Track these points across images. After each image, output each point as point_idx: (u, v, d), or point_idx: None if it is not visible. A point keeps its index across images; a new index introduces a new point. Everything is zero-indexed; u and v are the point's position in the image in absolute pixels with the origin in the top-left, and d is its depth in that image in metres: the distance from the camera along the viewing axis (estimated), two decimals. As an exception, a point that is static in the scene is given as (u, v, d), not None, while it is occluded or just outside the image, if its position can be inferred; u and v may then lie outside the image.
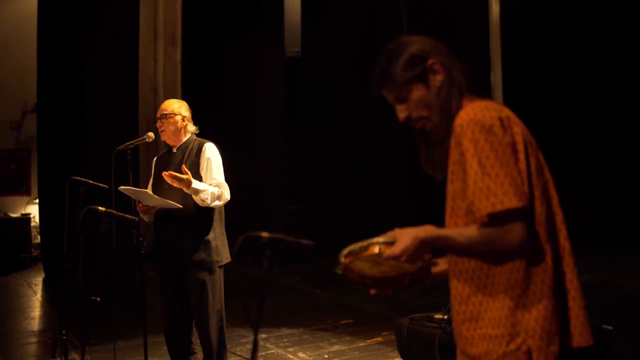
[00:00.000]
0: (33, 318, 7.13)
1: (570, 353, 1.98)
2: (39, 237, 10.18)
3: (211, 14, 10.63)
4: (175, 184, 3.85)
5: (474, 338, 1.99)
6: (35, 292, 8.41)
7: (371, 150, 11.03)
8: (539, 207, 1.96)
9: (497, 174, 1.88)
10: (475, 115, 1.94)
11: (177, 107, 4.16)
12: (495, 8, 11.28)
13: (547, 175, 2.03)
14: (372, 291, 2.12)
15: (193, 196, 3.91)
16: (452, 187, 2.03)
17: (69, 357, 4.32)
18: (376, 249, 1.95)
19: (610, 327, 3.79)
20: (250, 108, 10.47)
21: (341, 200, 11.35)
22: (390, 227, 2.01)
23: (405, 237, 1.95)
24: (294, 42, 11.29)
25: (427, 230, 1.96)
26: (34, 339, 6.15)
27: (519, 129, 1.96)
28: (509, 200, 1.86)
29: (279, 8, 10.59)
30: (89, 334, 3.81)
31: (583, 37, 10.01)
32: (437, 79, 2.07)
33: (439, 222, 2.07)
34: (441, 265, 2.17)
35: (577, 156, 10.40)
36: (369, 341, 5.79)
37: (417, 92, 2.08)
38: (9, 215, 10.79)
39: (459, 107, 2.03)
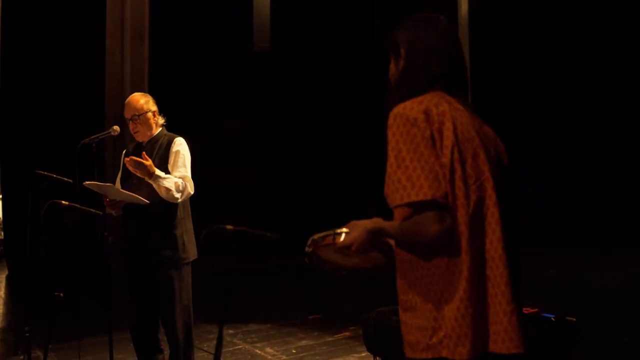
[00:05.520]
0: (-4, 315, 7.01)
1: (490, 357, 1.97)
2: (2, 233, 10.00)
3: (178, 9, 10.53)
4: (139, 173, 3.78)
5: (412, 327, 2.03)
6: (-2, 290, 8.27)
7: (343, 143, 11.05)
8: (462, 205, 1.94)
9: (414, 167, 1.89)
10: (404, 108, 1.97)
11: (145, 103, 4.08)
12: (464, 7, 11.37)
13: (487, 173, 2.01)
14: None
15: (156, 188, 3.85)
16: None
17: (32, 354, 4.25)
18: (331, 239, 2.02)
19: (574, 319, 3.85)
20: (219, 103, 10.40)
21: (311, 195, 11.34)
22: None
23: (357, 228, 2.00)
24: (263, 37, 11.23)
25: (374, 222, 2.00)
26: (-4, 337, 6.04)
27: (450, 125, 1.96)
28: (416, 193, 1.87)
29: (248, 3, 10.52)
30: (53, 331, 3.75)
31: (552, 35, 10.14)
32: (400, 64, 2.14)
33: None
34: None
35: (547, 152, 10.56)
36: (336, 336, 5.80)
37: (392, 64, 2.19)
38: (-29, 212, 10.58)
39: (401, 99, 2.06)
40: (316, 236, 2.05)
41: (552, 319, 3.73)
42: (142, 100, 4.09)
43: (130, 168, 3.78)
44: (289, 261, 9.53)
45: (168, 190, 3.85)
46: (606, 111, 10.30)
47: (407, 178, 1.88)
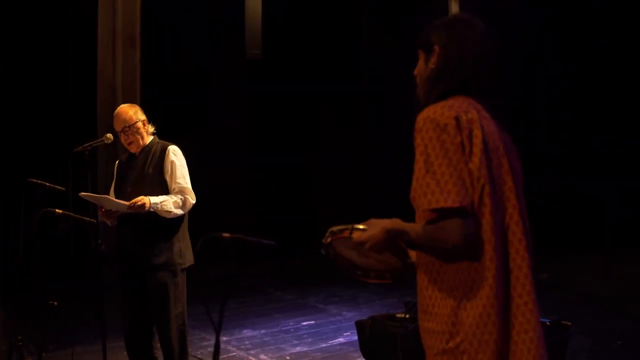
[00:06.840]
0: (-12, 324, 6.97)
1: None
2: (-6, 241, 9.93)
3: (176, 6, 10.52)
4: (139, 210, 3.81)
5: (426, 330, 2.04)
6: (-10, 298, 8.22)
7: (337, 149, 11.08)
8: (489, 213, 1.95)
9: (442, 173, 1.90)
10: (434, 113, 1.97)
11: (134, 114, 4.08)
12: (454, 9, 11.42)
13: (510, 183, 2.02)
14: (370, 279, 2.23)
15: (159, 214, 3.87)
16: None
17: (26, 363, 4.23)
18: (348, 233, 2.04)
19: (569, 323, 3.87)
20: (218, 101, 10.39)
21: (306, 202, 11.34)
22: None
23: (375, 226, 2.01)
24: (255, 44, 11.25)
25: (394, 223, 2.01)
26: (-12, 346, 6.01)
27: (479, 132, 1.96)
28: (444, 199, 1.87)
29: (240, 9, 10.54)
30: (46, 340, 3.73)
31: (549, 32, 10.22)
32: (432, 63, 2.12)
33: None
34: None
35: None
36: (330, 342, 5.79)
37: (420, 61, 2.17)
38: (-38, 220, 10.52)
39: (434, 100, 2.05)
40: (334, 228, 2.08)
41: (547, 323, 3.75)
42: (131, 111, 4.09)
43: (134, 210, 3.81)
44: (283, 267, 9.57)
45: (169, 212, 3.90)
46: (606, 110, 10.36)
47: (436, 183, 1.89)
